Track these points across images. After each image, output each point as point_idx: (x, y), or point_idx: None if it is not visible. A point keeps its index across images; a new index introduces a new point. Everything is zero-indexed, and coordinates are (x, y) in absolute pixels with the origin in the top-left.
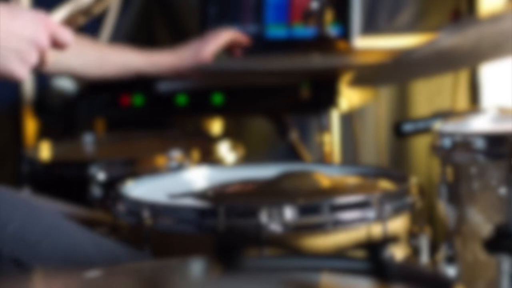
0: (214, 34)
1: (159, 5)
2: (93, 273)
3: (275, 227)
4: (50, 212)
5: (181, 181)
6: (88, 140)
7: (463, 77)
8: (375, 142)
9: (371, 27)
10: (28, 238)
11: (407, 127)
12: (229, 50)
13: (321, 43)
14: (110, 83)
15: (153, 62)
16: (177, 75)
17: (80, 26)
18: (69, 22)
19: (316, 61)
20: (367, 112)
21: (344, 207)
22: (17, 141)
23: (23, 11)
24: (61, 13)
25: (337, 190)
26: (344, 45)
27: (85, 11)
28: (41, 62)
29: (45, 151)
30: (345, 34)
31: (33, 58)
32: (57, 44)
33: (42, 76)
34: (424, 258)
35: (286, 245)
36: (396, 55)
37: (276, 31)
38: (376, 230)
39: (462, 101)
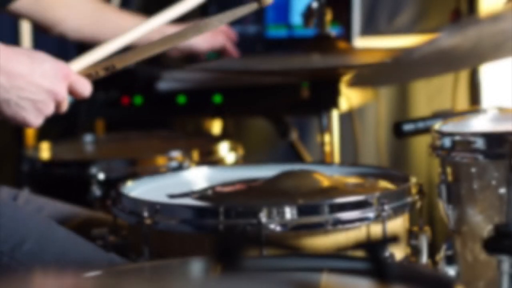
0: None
1: (158, 4)
2: (93, 273)
3: (275, 227)
4: (65, 231)
5: (181, 181)
6: (88, 140)
7: (463, 77)
8: (375, 142)
9: (371, 28)
10: (44, 258)
11: (407, 127)
12: (222, 52)
13: (321, 43)
14: (109, 83)
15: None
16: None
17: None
18: (89, 74)
19: (316, 61)
20: (367, 112)
21: (344, 207)
22: (17, 141)
23: (44, 60)
24: (82, 63)
25: (337, 190)
26: (344, 45)
27: (107, 66)
28: (57, 111)
29: (45, 151)
30: (345, 34)
31: (49, 109)
32: (74, 95)
33: None
34: (424, 258)
35: (286, 245)
36: (396, 55)
37: (276, 31)
38: (376, 230)
39: (462, 101)
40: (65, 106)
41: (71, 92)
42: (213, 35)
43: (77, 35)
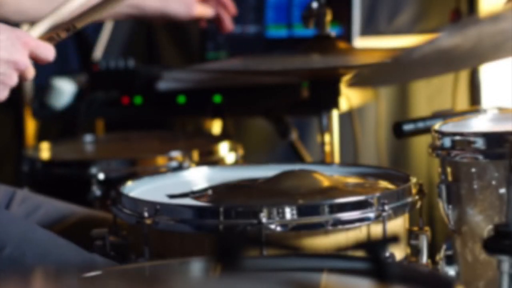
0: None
1: None
2: (92, 273)
3: (275, 227)
4: (45, 232)
5: (181, 181)
6: (88, 140)
7: (463, 77)
8: (375, 142)
9: (371, 28)
10: (24, 261)
11: (407, 127)
12: (217, 22)
13: (321, 43)
14: (109, 83)
15: (139, 4)
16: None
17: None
18: (50, 37)
19: (316, 61)
20: (367, 112)
21: (344, 207)
22: (17, 141)
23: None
24: (41, 28)
25: (337, 190)
26: (344, 45)
27: (67, 27)
28: (23, 79)
29: (45, 151)
30: (345, 34)
31: (13, 80)
32: (38, 61)
33: (42, 76)
34: (424, 258)
35: (286, 245)
36: (396, 55)
37: (276, 31)
38: (376, 230)
39: (462, 101)
40: (30, 74)
41: (34, 58)
42: (200, 2)
43: (21, 17)
